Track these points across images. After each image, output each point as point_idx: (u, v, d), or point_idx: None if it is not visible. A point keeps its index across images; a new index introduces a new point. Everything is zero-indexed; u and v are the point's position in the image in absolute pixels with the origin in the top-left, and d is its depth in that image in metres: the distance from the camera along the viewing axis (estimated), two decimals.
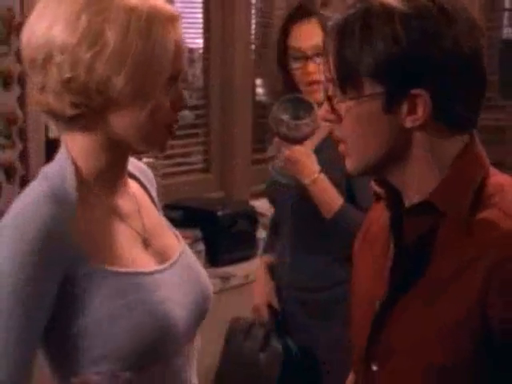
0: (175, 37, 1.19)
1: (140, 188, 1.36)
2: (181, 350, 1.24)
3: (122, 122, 1.19)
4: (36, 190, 1.17)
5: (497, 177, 1.15)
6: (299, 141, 2.08)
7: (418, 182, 1.13)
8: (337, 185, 2.12)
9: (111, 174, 1.24)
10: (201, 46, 3.55)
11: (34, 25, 1.19)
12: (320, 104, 2.14)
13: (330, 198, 2.10)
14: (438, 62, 1.07)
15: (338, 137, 1.14)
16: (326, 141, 2.18)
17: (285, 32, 2.20)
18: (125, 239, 1.23)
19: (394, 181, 1.15)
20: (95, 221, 1.20)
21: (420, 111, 1.09)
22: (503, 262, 1.04)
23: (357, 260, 1.29)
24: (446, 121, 1.11)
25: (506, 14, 4.35)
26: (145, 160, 3.39)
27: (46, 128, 2.81)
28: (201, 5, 3.57)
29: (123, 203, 1.27)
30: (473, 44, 1.09)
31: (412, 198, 1.14)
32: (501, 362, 1.05)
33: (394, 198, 1.18)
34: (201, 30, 3.55)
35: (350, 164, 1.15)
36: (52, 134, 2.82)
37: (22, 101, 2.71)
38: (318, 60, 2.15)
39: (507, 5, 4.32)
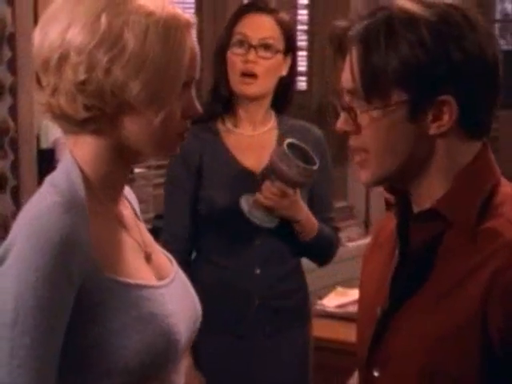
0: (191, 44, 1.19)
1: (129, 204, 1.35)
2: (177, 366, 1.23)
3: (134, 127, 1.17)
4: (47, 199, 1.14)
5: (507, 186, 1.15)
6: (303, 186, 2.05)
7: (431, 188, 1.12)
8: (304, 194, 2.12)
9: (116, 180, 1.23)
10: None
11: (48, 26, 1.17)
12: (252, 98, 2.10)
13: (312, 224, 2.12)
14: (463, 66, 1.07)
15: (356, 147, 1.13)
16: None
17: (235, 19, 2.13)
18: (130, 250, 1.22)
19: (408, 187, 1.15)
20: (103, 229, 1.18)
21: (446, 118, 1.08)
22: (504, 270, 1.04)
23: (364, 266, 1.29)
24: (468, 127, 1.11)
25: (497, 25, 4.37)
26: (137, 170, 3.39)
27: (38, 138, 2.80)
28: (193, 15, 3.57)
29: (125, 212, 1.26)
30: (493, 51, 1.10)
31: (423, 204, 1.14)
32: (502, 372, 1.05)
33: (402, 204, 1.17)
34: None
35: (368, 174, 1.13)
36: (44, 145, 2.81)
37: (13, 111, 2.70)
38: (261, 53, 2.09)
39: (498, 16, 4.34)
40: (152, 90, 1.15)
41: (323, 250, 2.23)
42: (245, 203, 2.06)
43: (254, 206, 2.05)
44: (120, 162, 1.21)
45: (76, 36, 1.14)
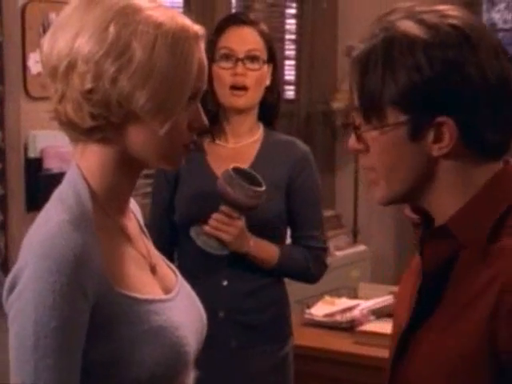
0: (200, 55, 1.19)
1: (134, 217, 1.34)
2: (186, 378, 1.23)
3: (139, 137, 1.17)
4: (56, 218, 1.13)
5: None
6: (251, 209, 2.03)
7: (445, 208, 1.12)
8: (277, 204, 2.11)
9: (121, 192, 1.22)
10: None
11: (57, 34, 1.17)
12: (242, 110, 2.11)
13: (267, 252, 2.11)
14: (462, 89, 1.07)
15: (367, 166, 1.14)
16: (259, 159, 2.15)
17: (218, 33, 2.13)
18: (136, 264, 1.21)
19: (426, 207, 1.15)
20: (110, 244, 1.18)
21: (446, 139, 1.08)
22: (510, 287, 1.03)
23: (400, 287, 1.28)
24: (477, 147, 1.10)
25: None
26: None
27: (26, 148, 2.80)
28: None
29: (130, 224, 1.25)
30: (498, 69, 1.09)
31: (440, 223, 1.13)
32: None
33: (426, 223, 1.17)
34: None
35: (379, 192, 1.14)
36: (31, 154, 2.81)
37: (1, 120, 2.69)
38: (249, 65, 2.10)
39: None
40: (158, 100, 1.15)
41: (294, 274, 2.21)
42: (194, 233, 2.07)
43: (203, 235, 2.06)
44: (126, 173, 1.21)
45: (84, 45, 1.14)
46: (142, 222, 1.35)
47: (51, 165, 2.87)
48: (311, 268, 2.16)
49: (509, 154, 1.15)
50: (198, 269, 2.10)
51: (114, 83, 1.13)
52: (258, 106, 2.16)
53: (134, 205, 1.33)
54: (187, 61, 1.16)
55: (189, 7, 3.56)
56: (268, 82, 2.15)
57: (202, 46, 1.20)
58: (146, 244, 1.29)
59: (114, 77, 1.13)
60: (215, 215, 2.02)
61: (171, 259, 2.20)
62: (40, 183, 2.82)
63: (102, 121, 1.15)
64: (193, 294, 1.32)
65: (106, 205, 1.19)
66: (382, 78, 1.08)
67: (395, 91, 1.07)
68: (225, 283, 2.10)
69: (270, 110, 2.18)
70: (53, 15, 2.86)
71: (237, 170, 2.02)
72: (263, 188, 2.00)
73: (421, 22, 1.09)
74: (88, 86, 1.13)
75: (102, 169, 1.19)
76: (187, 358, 1.19)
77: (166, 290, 1.24)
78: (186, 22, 1.18)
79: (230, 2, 3.74)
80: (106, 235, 1.17)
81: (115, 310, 1.13)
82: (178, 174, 2.14)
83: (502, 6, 4.32)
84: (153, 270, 1.24)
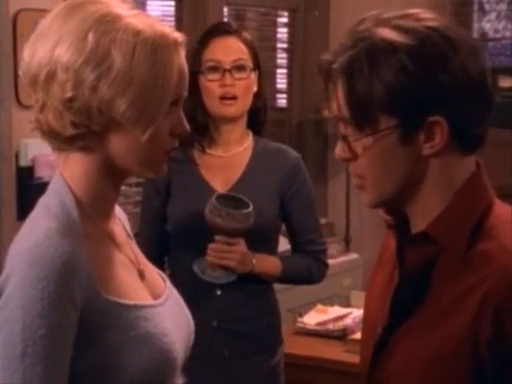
0: (179, 62, 1.19)
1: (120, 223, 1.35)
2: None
3: (121, 145, 1.17)
4: (43, 225, 1.13)
5: (500, 208, 1.15)
6: (244, 231, 2.03)
7: (426, 208, 1.13)
8: (270, 209, 2.11)
9: (106, 198, 1.22)
10: None
11: (37, 43, 1.18)
12: (232, 118, 2.12)
13: (270, 266, 2.12)
14: (449, 86, 1.08)
15: (357, 173, 1.14)
16: (250, 167, 2.16)
17: (202, 44, 2.14)
18: (124, 269, 1.21)
19: (407, 209, 1.15)
20: (97, 250, 1.18)
21: (438, 138, 1.09)
22: (495, 293, 1.04)
23: (369, 285, 1.29)
24: (463, 142, 1.12)
25: None
26: None
27: (17, 156, 2.79)
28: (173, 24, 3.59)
29: (116, 230, 1.25)
30: (478, 67, 1.11)
31: (420, 225, 1.14)
32: None
33: (401, 225, 1.18)
34: None
35: (368, 198, 1.14)
36: (23, 162, 2.80)
37: None
38: (236, 75, 2.11)
39: (475, 35, 4.39)
40: (139, 107, 1.15)
41: (298, 280, 2.24)
42: (197, 268, 2.07)
43: (207, 268, 2.06)
44: (110, 180, 1.21)
45: (63, 54, 1.14)
46: (128, 228, 1.34)
47: (42, 173, 2.86)
48: (313, 271, 2.19)
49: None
50: (191, 278, 2.10)
51: (94, 91, 1.14)
52: (246, 114, 2.17)
53: (120, 212, 1.33)
54: (167, 67, 1.16)
55: (180, 16, 3.57)
56: (255, 89, 2.16)
57: (182, 52, 1.20)
58: (134, 249, 1.29)
59: (94, 85, 1.13)
60: (213, 246, 2.03)
61: (161, 267, 2.20)
62: (31, 191, 2.81)
63: (83, 129, 1.15)
64: (181, 300, 1.32)
65: (91, 212, 1.19)
66: (370, 84, 1.08)
67: (385, 94, 1.07)
68: (218, 293, 2.10)
69: (258, 116, 2.19)
70: None
71: (220, 198, 2.03)
72: (250, 208, 2.01)
73: (397, 28, 1.10)
74: (68, 94, 1.14)
75: (86, 177, 1.19)
76: (175, 364, 1.19)
77: (155, 296, 1.24)
78: (166, 29, 1.19)
79: (222, 11, 3.75)
80: (93, 242, 1.17)
81: (103, 317, 1.12)
82: (170, 184, 2.15)
83: (492, 15, 4.34)
84: (141, 275, 1.24)
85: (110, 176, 1.20)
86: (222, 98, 2.10)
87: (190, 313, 2.11)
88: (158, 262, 2.20)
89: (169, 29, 1.20)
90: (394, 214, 1.18)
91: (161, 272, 1.34)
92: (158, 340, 1.16)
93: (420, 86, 1.07)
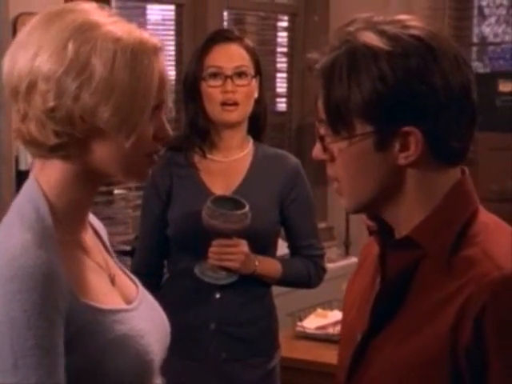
0: (159, 67, 1.19)
1: (92, 231, 1.34)
2: None
3: (104, 152, 1.17)
4: (18, 237, 1.13)
5: (484, 215, 1.15)
6: (242, 231, 2.04)
7: (408, 217, 1.13)
8: (268, 214, 2.12)
9: (80, 206, 1.22)
10: (173, 77, 3.56)
11: (17, 53, 1.18)
12: (233, 124, 2.12)
13: (272, 268, 2.13)
14: (426, 98, 1.07)
15: (332, 176, 1.14)
16: (251, 172, 2.17)
17: (204, 51, 2.15)
18: (95, 275, 1.22)
19: (387, 216, 1.15)
20: (71, 257, 1.18)
21: (412, 148, 1.08)
22: (476, 296, 1.04)
23: (347, 290, 1.29)
24: (440, 155, 1.11)
25: (475, 48, 4.42)
26: (116, 192, 3.38)
27: (17, 160, 2.79)
28: (173, 37, 3.59)
29: (87, 237, 1.26)
30: (461, 79, 1.09)
31: (402, 232, 1.14)
32: None
33: (384, 232, 1.17)
34: (173, 62, 3.57)
35: (345, 202, 1.15)
36: (22, 166, 2.80)
37: None
38: (238, 81, 2.12)
39: (475, 39, 4.40)
40: (122, 114, 1.15)
41: (296, 283, 2.25)
42: (198, 271, 2.08)
43: (208, 270, 2.07)
44: (86, 187, 1.21)
45: (44, 63, 1.14)
46: (106, 238, 1.35)
47: None
48: (312, 275, 2.20)
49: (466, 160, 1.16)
50: (191, 281, 2.10)
51: (77, 100, 1.14)
52: (247, 120, 2.17)
53: (97, 223, 1.34)
54: (147, 73, 1.17)
55: (180, 20, 3.57)
56: (256, 95, 2.17)
57: (162, 57, 1.21)
58: (104, 255, 1.29)
59: (76, 94, 1.13)
60: (214, 249, 2.04)
61: (160, 271, 2.20)
62: None
63: (65, 138, 1.15)
64: (156, 304, 1.32)
65: (64, 219, 1.19)
66: (348, 89, 1.07)
67: (361, 101, 1.07)
68: (217, 296, 2.10)
69: (258, 121, 2.20)
70: None
71: (216, 200, 2.03)
72: (246, 208, 2.01)
73: (381, 33, 1.09)
74: (50, 104, 1.14)
75: (62, 183, 1.19)
76: (152, 366, 1.20)
77: (127, 300, 1.25)
78: (144, 35, 1.19)
79: (222, 15, 3.75)
80: (66, 249, 1.17)
81: (82, 322, 1.13)
82: (171, 190, 2.16)
83: (492, 19, 4.35)
84: (112, 280, 1.25)
85: (88, 183, 1.20)
86: (223, 104, 2.11)
87: (189, 316, 2.11)
88: (156, 265, 2.20)
89: (147, 34, 1.20)
90: (376, 220, 1.18)
91: (133, 277, 1.34)
92: (134, 342, 1.17)
93: (397, 96, 1.06)
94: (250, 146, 2.20)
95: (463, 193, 1.14)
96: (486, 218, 1.15)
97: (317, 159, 1.14)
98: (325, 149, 1.12)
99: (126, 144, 1.16)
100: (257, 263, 2.08)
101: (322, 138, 1.12)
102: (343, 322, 1.27)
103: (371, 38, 1.09)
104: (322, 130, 1.12)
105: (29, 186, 1.21)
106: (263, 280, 2.12)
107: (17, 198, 1.21)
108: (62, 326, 1.10)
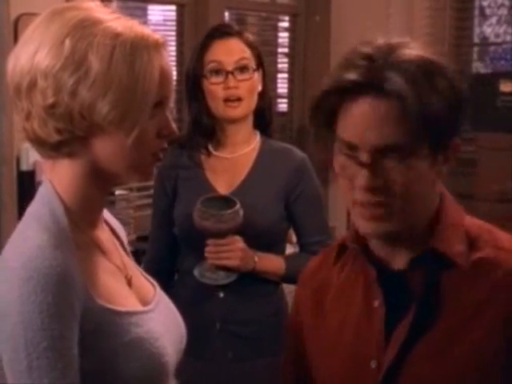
0: (161, 63, 1.19)
1: (109, 230, 1.34)
2: None
3: (106, 149, 1.17)
4: (34, 238, 1.13)
5: (470, 219, 1.17)
6: (236, 229, 2.03)
7: (418, 221, 1.13)
8: (274, 211, 2.11)
9: (94, 205, 1.22)
10: (174, 77, 3.56)
11: (20, 50, 1.18)
12: (238, 120, 2.11)
13: (273, 264, 2.11)
14: (461, 110, 1.12)
15: (381, 201, 1.09)
16: (256, 168, 2.15)
17: (203, 47, 2.13)
18: (113, 276, 1.21)
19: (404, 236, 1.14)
20: (87, 258, 1.18)
21: (453, 158, 1.11)
22: None
23: (310, 328, 1.25)
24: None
25: (476, 48, 4.42)
26: (118, 192, 3.38)
27: (18, 160, 2.79)
28: (174, 37, 3.59)
29: (103, 237, 1.25)
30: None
31: (404, 250, 1.14)
32: None
33: (366, 255, 1.16)
34: (174, 63, 3.57)
35: (388, 226, 1.10)
36: (24, 167, 2.80)
37: None
38: (239, 76, 2.10)
39: (476, 39, 4.39)
40: (121, 110, 1.15)
41: None
42: (198, 273, 2.08)
43: (207, 271, 2.07)
44: (97, 185, 1.20)
45: (42, 60, 1.15)
46: (122, 233, 1.35)
47: (44, 178, 2.87)
48: None
49: None
50: (194, 281, 2.10)
51: (74, 95, 1.14)
52: (252, 114, 2.16)
53: (109, 217, 1.34)
54: (147, 69, 1.16)
55: (182, 20, 3.57)
56: (260, 88, 2.16)
57: (165, 53, 1.20)
58: (122, 256, 1.29)
59: (74, 89, 1.14)
60: (210, 249, 2.03)
61: (172, 268, 2.20)
62: (32, 196, 2.81)
63: (67, 135, 1.16)
64: (171, 305, 1.32)
65: (79, 219, 1.19)
66: (429, 105, 1.06)
67: (434, 115, 1.06)
68: (221, 295, 2.09)
69: (263, 116, 2.19)
70: None
71: (206, 201, 2.03)
72: (237, 206, 2.01)
73: (424, 50, 1.12)
74: (49, 100, 1.14)
75: (73, 183, 1.19)
76: (167, 368, 1.20)
77: (144, 302, 1.25)
78: (146, 30, 1.19)
79: (223, 15, 3.76)
80: (82, 250, 1.17)
81: (98, 323, 1.13)
82: (176, 187, 2.15)
83: (493, 19, 4.34)
84: (129, 282, 1.25)
85: (98, 182, 1.20)
86: (227, 100, 2.10)
87: (194, 315, 2.11)
88: (167, 263, 2.20)
89: (149, 30, 1.20)
90: (361, 243, 1.17)
91: (150, 278, 1.34)
92: (149, 345, 1.16)
93: (461, 108, 1.10)
94: (256, 140, 2.19)
95: (453, 203, 1.16)
96: (474, 221, 1.17)
97: (370, 190, 1.08)
98: (379, 176, 1.08)
99: (128, 141, 1.16)
100: (256, 259, 2.06)
101: (374, 165, 1.07)
102: (332, 352, 1.21)
103: (426, 54, 1.09)
104: (375, 156, 1.07)
105: (43, 188, 1.21)
106: (265, 277, 2.10)
107: (33, 201, 1.21)
108: (76, 328, 1.10)
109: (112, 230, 1.33)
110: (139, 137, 1.16)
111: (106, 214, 1.33)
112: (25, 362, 1.07)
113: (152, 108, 1.17)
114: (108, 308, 1.15)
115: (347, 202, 1.13)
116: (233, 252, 2.03)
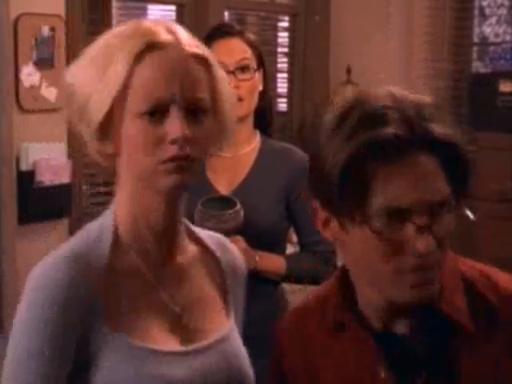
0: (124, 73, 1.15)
1: (205, 260, 1.26)
2: None
3: (120, 162, 1.16)
4: (61, 252, 1.13)
5: (464, 262, 1.10)
6: (236, 229, 2.02)
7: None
8: (273, 211, 2.11)
9: (149, 228, 1.16)
10: None
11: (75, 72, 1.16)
12: (241, 119, 2.09)
13: (274, 263, 2.11)
14: None
15: (434, 263, 1.00)
16: (256, 167, 2.15)
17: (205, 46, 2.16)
18: (151, 310, 1.15)
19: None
20: (120, 285, 1.14)
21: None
22: None
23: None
24: None
25: (475, 48, 4.42)
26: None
27: (18, 160, 2.79)
28: None
29: (164, 268, 1.18)
30: None
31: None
32: None
33: (358, 321, 1.08)
34: None
35: (435, 289, 1.02)
36: (23, 167, 2.80)
37: None
38: (241, 76, 2.10)
39: (476, 39, 4.39)
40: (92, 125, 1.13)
41: (306, 279, 2.21)
42: None
43: None
44: (147, 203, 1.15)
45: (88, 82, 1.14)
46: (230, 280, 1.28)
47: (43, 177, 2.86)
48: (321, 271, 2.16)
49: None
50: None
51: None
52: (253, 114, 2.17)
53: (227, 257, 1.28)
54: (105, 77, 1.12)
55: (181, 20, 3.57)
56: (261, 87, 2.17)
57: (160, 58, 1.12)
58: (187, 292, 1.19)
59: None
60: None
61: None
62: (32, 196, 2.81)
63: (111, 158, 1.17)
64: (238, 354, 1.23)
65: (134, 243, 1.16)
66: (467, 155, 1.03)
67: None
68: None
69: (264, 115, 2.19)
70: (45, 28, 2.86)
71: (207, 201, 2.03)
72: (237, 206, 2.01)
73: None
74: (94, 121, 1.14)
75: (127, 200, 1.16)
76: None
77: (187, 341, 1.17)
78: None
79: (223, 15, 3.75)
80: (117, 275, 1.13)
81: (103, 347, 1.09)
82: None
83: (493, 19, 4.34)
84: (175, 319, 1.17)
85: (145, 195, 1.15)
86: None
87: None
88: None
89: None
90: (350, 310, 1.09)
91: (230, 322, 1.25)
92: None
93: None
94: (256, 140, 2.19)
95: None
96: (467, 262, 1.11)
97: (427, 252, 0.98)
98: (433, 236, 0.98)
99: (108, 150, 1.15)
100: (257, 259, 2.07)
101: (429, 225, 0.99)
102: None
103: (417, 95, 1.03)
104: (435, 214, 0.99)
105: (111, 204, 1.20)
106: (266, 276, 2.10)
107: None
108: (73, 343, 1.09)
109: (215, 260, 1.26)
110: (130, 145, 1.16)
111: (219, 243, 1.28)
112: (11, 370, 1.09)
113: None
114: (119, 336, 1.10)
115: (375, 273, 1.01)
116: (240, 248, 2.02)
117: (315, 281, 2.23)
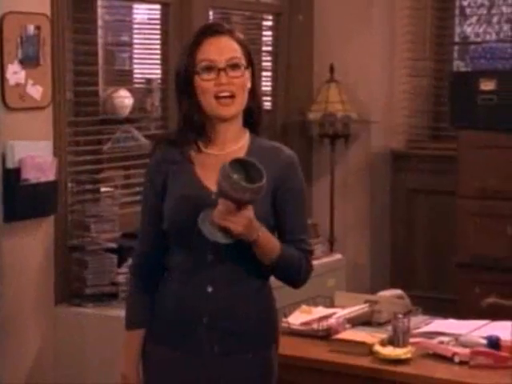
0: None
1: None
2: None
3: None
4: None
5: None
6: (250, 202, 2.00)
7: None
8: (263, 211, 2.12)
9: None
10: (159, 76, 3.58)
11: None
12: (230, 118, 2.11)
13: (273, 243, 2.13)
14: None
15: None
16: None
17: (195, 45, 2.12)
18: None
19: None
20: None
21: None
22: None
23: None
24: None
25: (456, 47, 4.47)
26: (103, 189, 3.39)
27: (3, 158, 2.80)
28: (159, 36, 3.61)
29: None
30: None
31: None
32: None
33: None
34: (159, 61, 3.58)
35: None
36: (9, 164, 2.80)
37: None
38: (231, 73, 2.10)
39: (457, 39, 4.44)
40: None
41: (289, 272, 2.22)
42: (201, 219, 2.08)
43: (209, 223, 2.07)
44: None
45: None
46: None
47: (29, 175, 2.87)
48: (302, 268, 2.17)
49: None
50: (185, 275, 2.12)
51: None
52: (242, 112, 2.19)
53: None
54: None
55: (166, 19, 3.59)
56: (249, 85, 2.19)
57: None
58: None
59: None
60: (218, 209, 2.03)
61: (162, 264, 2.22)
62: (18, 193, 2.82)
63: None
64: None
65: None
66: None
67: None
68: (209, 289, 2.11)
69: (253, 114, 2.21)
70: (31, 27, 2.87)
71: (235, 163, 1.99)
72: (263, 180, 1.97)
73: None
74: None
75: None
76: None
77: None
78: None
79: (207, 14, 3.78)
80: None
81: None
82: (165, 183, 2.16)
83: (473, 19, 4.39)
84: None
85: None
86: (218, 97, 2.12)
87: (182, 310, 2.14)
88: (156, 258, 2.22)
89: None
90: None
91: None
92: None
93: None
94: (245, 138, 2.20)
95: None
96: None
97: None
98: None
99: None
100: (260, 233, 2.08)
101: None
102: None
103: None
104: None
105: None
106: (259, 255, 2.10)
107: None
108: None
109: None
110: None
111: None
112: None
113: None
114: None
115: None
116: (240, 218, 2.03)
117: (296, 276, 2.24)
